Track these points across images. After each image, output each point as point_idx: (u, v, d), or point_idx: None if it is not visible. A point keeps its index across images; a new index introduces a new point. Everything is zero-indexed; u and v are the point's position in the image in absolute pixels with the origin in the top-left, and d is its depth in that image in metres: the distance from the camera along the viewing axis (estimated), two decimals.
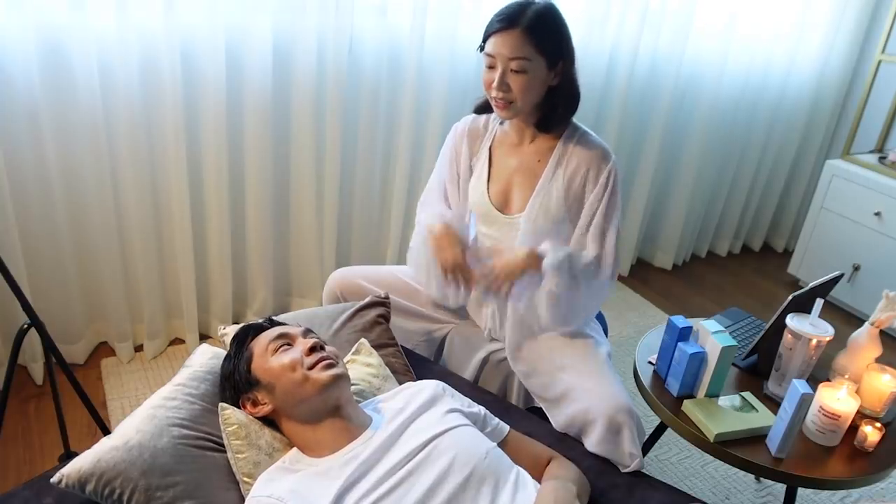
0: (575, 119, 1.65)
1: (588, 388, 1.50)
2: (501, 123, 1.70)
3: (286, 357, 1.21)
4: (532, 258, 1.56)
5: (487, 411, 1.35)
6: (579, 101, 1.60)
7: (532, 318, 1.63)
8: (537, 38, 1.46)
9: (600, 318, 1.90)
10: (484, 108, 1.70)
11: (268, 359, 1.22)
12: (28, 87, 1.93)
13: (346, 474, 1.10)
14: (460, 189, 1.75)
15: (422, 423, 1.22)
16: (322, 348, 1.24)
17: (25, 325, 1.59)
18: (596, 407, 1.46)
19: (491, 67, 1.51)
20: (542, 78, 1.51)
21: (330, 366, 1.20)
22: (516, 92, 1.49)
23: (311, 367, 1.19)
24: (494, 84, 1.50)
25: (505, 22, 1.46)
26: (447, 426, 1.21)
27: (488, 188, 1.68)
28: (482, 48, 1.52)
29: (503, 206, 1.67)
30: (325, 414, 1.19)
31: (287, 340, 1.25)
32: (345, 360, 1.44)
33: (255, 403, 1.23)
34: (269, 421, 1.25)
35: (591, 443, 1.48)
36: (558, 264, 1.53)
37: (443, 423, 1.21)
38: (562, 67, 1.53)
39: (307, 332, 1.29)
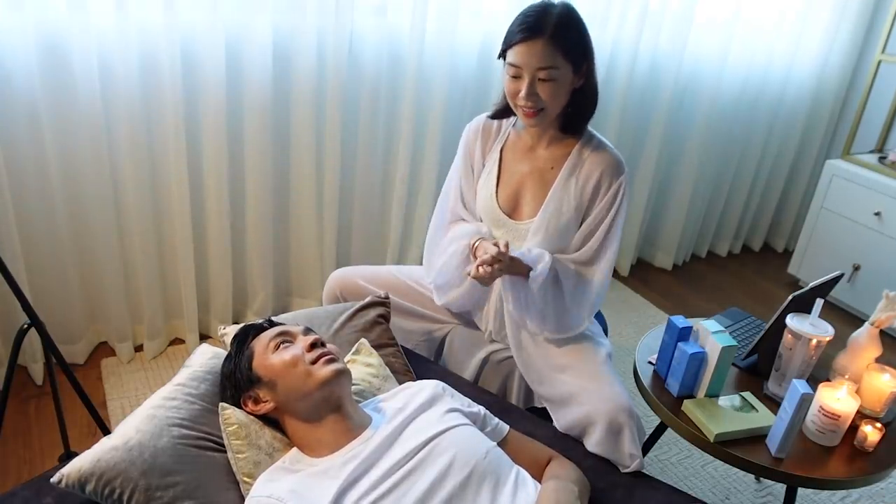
0: None
1: (589, 390, 1.50)
2: (514, 125, 1.68)
3: (287, 353, 1.21)
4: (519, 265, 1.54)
5: (487, 411, 1.35)
6: (598, 99, 1.59)
7: (521, 319, 1.63)
8: (563, 45, 1.44)
9: (600, 318, 1.90)
10: (501, 115, 1.67)
11: (269, 356, 1.22)
12: (28, 86, 1.93)
13: (345, 474, 1.10)
14: (476, 189, 1.73)
15: (421, 422, 1.22)
16: (323, 344, 1.24)
17: (25, 325, 1.59)
18: (597, 408, 1.46)
19: (516, 77, 1.48)
20: (569, 82, 1.50)
21: (331, 361, 1.21)
22: (546, 100, 1.48)
23: (313, 363, 1.19)
24: (523, 94, 1.47)
25: (528, 31, 1.43)
26: (447, 425, 1.21)
27: (497, 191, 1.66)
28: (502, 56, 1.50)
29: (512, 210, 1.66)
30: (326, 411, 1.19)
31: (288, 338, 1.26)
32: (345, 359, 1.44)
33: (256, 401, 1.23)
34: (270, 420, 1.25)
35: (592, 443, 1.48)
36: (542, 279, 1.53)
37: (442, 423, 1.21)
38: (586, 69, 1.52)
39: (307, 331, 1.30)
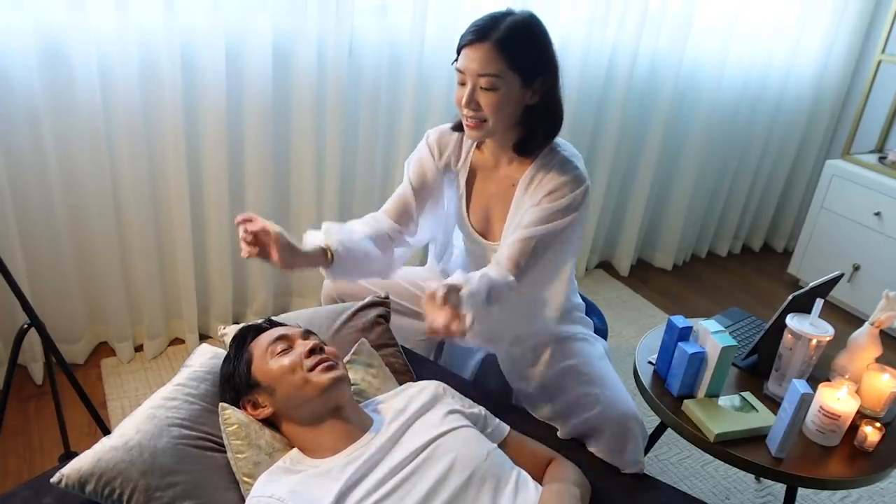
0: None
1: (594, 395, 1.49)
2: (478, 148, 1.58)
3: (286, 359, 1.21)
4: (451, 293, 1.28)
5: (488, 412, 1.35)
6: (562, 122, 1.48)
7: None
8: (510, 52, 1.34)
9: (600, 317, 1.90)
10: (460, 126, 1.55)
11: (268, 361, 1.22)
12: (28, 87, 1.93)
13: (346, 475, 1.10)
14: (428, 201, 1.62)
15: (422, 424, 1.22)
16: (322, 350, 1.24)
17: (25, 325, 1.59)
18: (603, 416, 1.45)
19: (462, 84, 1.39)
20: (516, 96, 1.38)
21: (330, 367, 1.20)
22: (486, 111, 1.38)
23: (311, 369, 1.19)
24: (463, 102, 1.38)
25: (475, 34, 1.35)
26: (448, 427, 1.21)
27: (468, 211, 1.61)
28: (456, 61, 1.40)
29: (485, 230, 1.60)
30: (325, 416, 1.19)
31: (287, 343, 1.25)
32: (345, 360, 1.44)
33: (255, 406, 1.23)
34: (270, 422, 1.25)
35: (595, 448, 1.47)
36: (471, 297, 1.29)
37: (444, 425, 1.21)
38: (540, 85, 1.41)
39: (307, 334, 1.29)
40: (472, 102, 1.38)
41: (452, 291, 1.24)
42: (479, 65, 1.35)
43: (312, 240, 1.47)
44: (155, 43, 2.04)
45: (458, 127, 1.57)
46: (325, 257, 1.45)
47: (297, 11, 2.21)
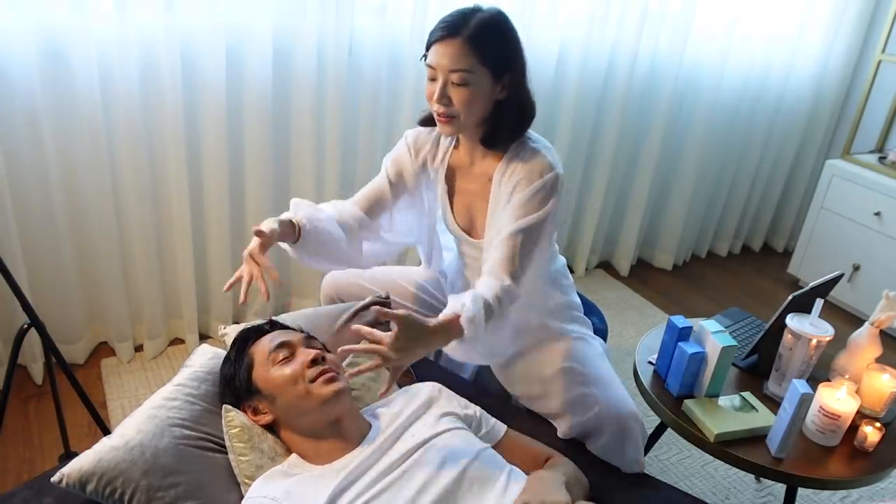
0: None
1: (594, 395, 1.48)
2: (456, 147, 1.59)
3: (287, 369, 1.20)
4: (447, 327, 1.28)
5: (484, 412, 1.35)
6: (532, 116, 1.48)
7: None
8: (481, 48, 1.35)
9: (600, 317, 1.90)
10: (429, 121, 1.56)
11: (269, 369, 1.22)
12: (28, 88, 1.93)
13: (340, 478, 1.11)
14: (403, 195, 1.62)
15: (416, 427, 1.23)
16: (324, 359, 1.23)
17: (25, 325, 1.59)
18: (602, 416, 1.45)
19: (432, 80, 1.40)
20: (486, 91, 1.39)
21: (331, 380, 1.20)
22: (458, 106, 1.38)
23: (313, 381, 1.19)
24: (435, 97, 1.39)
25: (446, 30, 1.35)
26: (439, 430, 1.22)
27: (452, 210, 1.61)
28: (425, 58, 1.41)
29: (470, 228, 1.60)
30: (325, 426, 1.19)
31: (289, 350, 1.24)
32: (345, 362, 1.44)
33: (255, 412, 1.24)
34: (270, 427, 1.25)
35: (595, 447, 1.47)
36: (470, 322, 1.28)
37: (436, 427, 1.23)
38: (509, 80, 1.41)
39: (308, 340, 1.29)
40: (444, 98, 1.39)
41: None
42: (450, 60, 1.36)
43: (282, 216, 1.47)
44: (155, 44, 2.04)
45: (427, 121, 1.58)
46: (293, 232, 1.44)
47: (297, 11, 2.21)
